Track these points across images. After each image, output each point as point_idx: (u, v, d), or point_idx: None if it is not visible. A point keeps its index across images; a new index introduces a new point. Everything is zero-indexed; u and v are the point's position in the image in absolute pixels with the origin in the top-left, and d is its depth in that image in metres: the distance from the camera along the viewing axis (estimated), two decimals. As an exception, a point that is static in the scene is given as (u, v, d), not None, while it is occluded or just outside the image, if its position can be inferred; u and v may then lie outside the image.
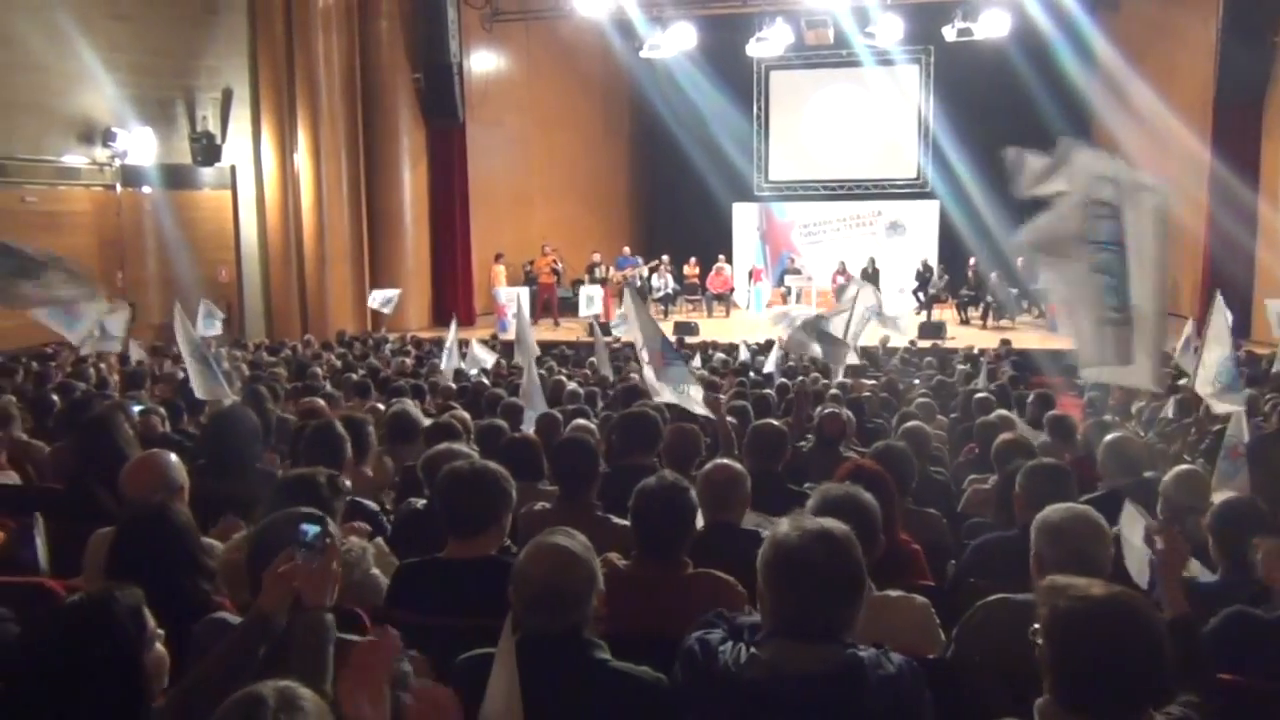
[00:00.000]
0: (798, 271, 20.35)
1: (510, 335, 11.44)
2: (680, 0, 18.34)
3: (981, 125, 20.56)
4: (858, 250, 20.56)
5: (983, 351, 12.94)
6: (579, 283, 19.18)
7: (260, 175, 16.76)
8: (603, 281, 18.51)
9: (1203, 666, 2.34)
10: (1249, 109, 15.14)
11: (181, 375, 8.06)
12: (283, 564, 2.18)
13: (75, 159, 15.19)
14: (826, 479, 3.29)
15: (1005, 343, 13.97)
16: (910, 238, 21.40)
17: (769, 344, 13.10)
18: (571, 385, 8.65)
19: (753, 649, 2.10)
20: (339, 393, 7.83)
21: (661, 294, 19.25)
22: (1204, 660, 2.39)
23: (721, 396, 6.70)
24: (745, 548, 2.27)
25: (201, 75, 16.57)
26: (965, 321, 17.99)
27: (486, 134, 19.03)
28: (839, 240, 21.81)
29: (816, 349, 9.73)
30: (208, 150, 16.55)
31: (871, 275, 19.52)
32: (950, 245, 20.40)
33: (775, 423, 5.06)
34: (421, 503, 3.96)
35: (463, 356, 10.73)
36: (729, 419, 5.67)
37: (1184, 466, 4.11)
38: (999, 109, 20.36)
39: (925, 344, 14.53)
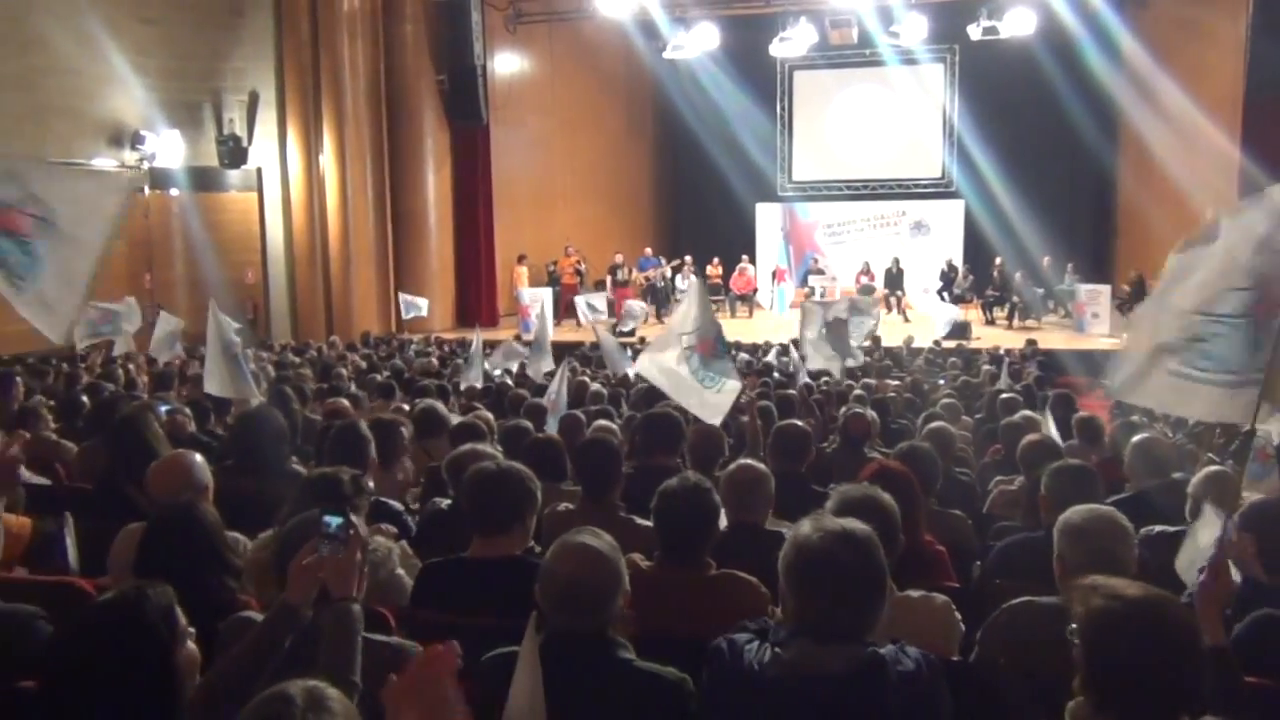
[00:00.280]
0: (821, 272, 20.30)
1: (533, 336, 11.49)
2: (703, 0, 18.33)
3: (1007, 124, 20.49)
4: (882, 250, 20.49)
5: (1008, 352, 12.86)
6: (601, 284, 19.22)
7: (286, 177, 16.89)
8: (624, 284, 18.53)
9: (1237, 697, 2.29)
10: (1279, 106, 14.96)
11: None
12: (307, 556, 2.20)
13: (105, 161, 15.35)
14: (851, 480, 3.27)
15: (1031, 343, 13.89)
16: (935, 238, 21.30)
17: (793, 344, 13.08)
18: (595, 386, 8.67)
19: (776, 649, 2.10)
20: (364, 394, 7.88)
21: (684, 295, 19.19)
22: (1239, 690, 2.33)
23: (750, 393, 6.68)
24: (769, 549, 2.27)
25: (228, 78, 16.72)
26: (991, 322, 17.88)
27: (510, 135, 19.08)
28: (863, 240, 21.74)
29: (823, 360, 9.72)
30: (234, 153, 16.68)
31: (896, 275, 19.48)
32: (975, 245, 20.31)
33: (799, 423, 5.05)
34: (446, 503, 3.98)
35: (487, 357, 10.78)
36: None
37: (1213, 468, 4.06)
38: (1024, 108, 20.29)
39: (950, 344, 14.45)
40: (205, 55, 16.44)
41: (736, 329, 16.95)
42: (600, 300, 17.51)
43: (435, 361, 11.44)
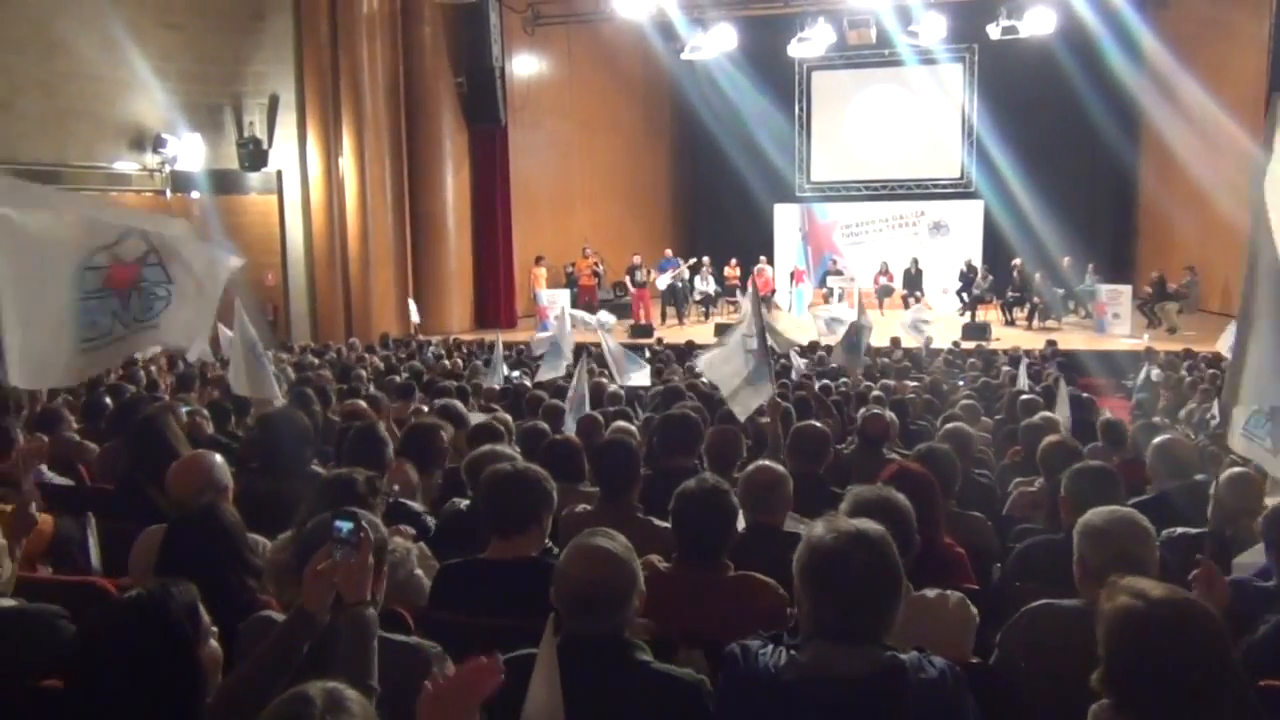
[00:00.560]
0: (840, 272, 20.25)
1: (551, 334, 11.46)
2: (721, 1, 18.31)
3: (1026, 124, 20.38)
4: (900, 251, 20.42)
5: (1028, 352, 12.79)
6: (619, 285, 19.24)
7: (306, 179, 16.98)
8: (642, 285, 18.55)
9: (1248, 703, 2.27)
10: (1302, 105, 14.83)
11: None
12: (320, 562, 2.21)
13: (126, 165, 15.48)
14: (869, 481, 3.26)
15: (1051, 344, 13.80)
16: (954, 238, 21.21)
17: (813, 345, 13.06)
18: (613, 387, 8.66)
19: (792, 651, 2.09)
20: (383, 395, 7.91)
21: (702, 295, 19.23)
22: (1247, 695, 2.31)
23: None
24: (787, 550, 2.26)
25: (249, 82, 16.82)
26: (1010, 322, 17.79)
27: (528, 137, 19.13)
28: (881, 241, 21.66)
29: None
30: (255, 155, 16.77)
31: (915, 276, 19.41)
32: (994, 245, 20.20)
33: (818, 424, 5.04)
34: (465, 503, 3.99)
35: (506, 360, 10.78)
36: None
37: (1237, 469, 4.02)
38: (1044, 108, 20.18)
39: (969, 345, 14.39)
40: (226, 59, 16.55)
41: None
42: (609, 316, 17.45)
43: (459, 362, 11.47)
